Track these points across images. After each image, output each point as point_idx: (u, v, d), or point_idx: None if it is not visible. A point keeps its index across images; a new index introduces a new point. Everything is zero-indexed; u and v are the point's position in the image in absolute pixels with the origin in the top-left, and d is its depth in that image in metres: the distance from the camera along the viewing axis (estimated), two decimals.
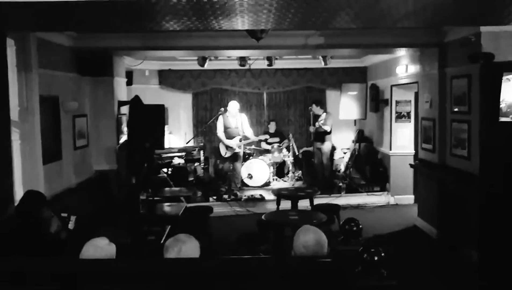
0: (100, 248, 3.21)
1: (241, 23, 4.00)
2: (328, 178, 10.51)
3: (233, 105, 9.88)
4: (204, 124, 11.58)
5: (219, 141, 10.06)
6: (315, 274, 3.03)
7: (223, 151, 9.95)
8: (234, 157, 9.93)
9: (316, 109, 10.44)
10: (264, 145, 11.44)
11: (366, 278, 3.34)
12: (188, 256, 3.17)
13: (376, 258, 3.40)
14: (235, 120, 9.85)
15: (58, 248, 4.37)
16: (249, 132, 9.99)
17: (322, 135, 10.30)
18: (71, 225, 4.67)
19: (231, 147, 9.79)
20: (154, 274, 3.00)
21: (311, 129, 10.47)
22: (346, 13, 3.64)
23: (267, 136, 10.56)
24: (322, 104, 11.07)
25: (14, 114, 5.58)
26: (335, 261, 3.07)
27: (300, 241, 3.29)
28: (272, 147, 11.09)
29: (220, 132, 9.88)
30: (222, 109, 9.98)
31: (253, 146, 11.21)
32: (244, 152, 10.79)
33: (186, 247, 3.18)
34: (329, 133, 10.33)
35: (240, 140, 9.85)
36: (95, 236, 3.37)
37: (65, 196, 6.60)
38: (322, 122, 10.19)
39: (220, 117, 9.95)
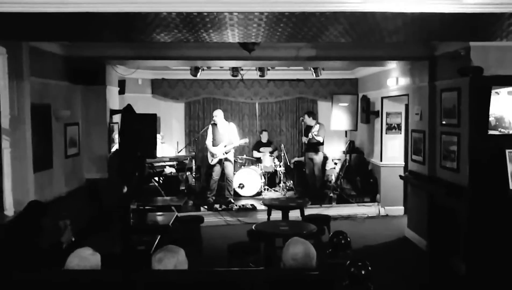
0: (84, 258, 3.21)
1: (231, 36, 4.04)
2: (319, 188, 10.54)
3: (216, 113, 10.02)
4: (196, 134, 11.62)
5: (207, 150, 10.14)
6: (303, 286, 3.05)
7: (210, 158, 10.03)
8: (222, 164, 9.95)
9: (308, 120, 10.51)
10: (256, 154, 11.47)
11: None
12: (181, 265, 3.18)
13: (363, 272, 3.41)
14: (223, 128, 9.92)
15: (56, 258, 4.38)
16: (236, 140, 10.03)
17: (315, 146, 10.35)
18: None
19: (216, 154, 9.84)
20: (142, 285, 3.00)
21: (304, 139, 10.53)
22: (335, 28, 3.69)
23: (246, 140, 10.56)
24: (314, 115, 11.13)
25: (5, 122, 5.59)
26: (323, 274, 3.09)
27: (290, 253, 3.31)
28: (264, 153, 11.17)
29: (209, 141, 9.97)
30: (215, 119, 10.03)
31: (244, 156, 11.23)
32: (235, 161, 10.82)
33: (182, 257, 3.20)
34: (322, 144, 10.39)
35: (225, 146, 9.87)
36: (85, 245, 3.38)
37: (56, 204, 6.58)
38: (315, 133, 10.23)
39: (210, 127, 10.04)
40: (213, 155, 9.91)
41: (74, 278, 3.05)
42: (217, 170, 10.00)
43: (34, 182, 6.02)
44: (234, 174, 10.36)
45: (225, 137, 9.88)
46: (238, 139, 10.10)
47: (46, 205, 4.76)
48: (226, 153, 9.86)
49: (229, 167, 10.01)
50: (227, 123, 10.10)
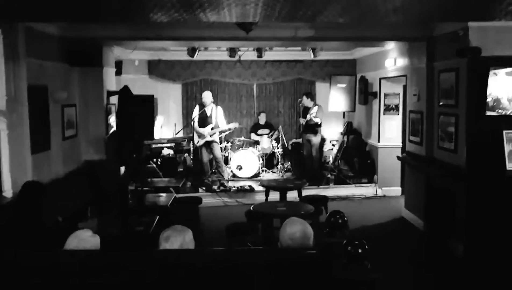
0: (83, 240, 3.23)
1: (228, 15, 4.01)
2: (317, 169, 10.56)
3: (205, 95, 10.02)
4: (192, 115, 11.59)
5: (193, 130, 10.15)
6: (301, 265, 3.07)
7: (196, 139, 10.05)
8: (209, 145, 9.95)
9: (306, 101, 10.48)
10: (253, 137, 11.47)
11: (350, 270, 3.39)
12: (188, 245, 3.21)
13: (360, 251, 3.44)
14: (210, 110, 9.92)
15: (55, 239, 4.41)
16: (222, 124, 10.02)
17: (312, 128, 10.34)
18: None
19: (203, 135, 9.84)
20: (143, 265, 3.02)
21: (302, 121, 10.51)
22: (333, 8, 3.66)
23: (236, 124, 10.55)
24: (312, 96, 11.10)
25: (1, 103, 5.55)
26: (320, 253, 3.11)
27: (287, 233, 3.33)
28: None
29: (194, 121, 9.96)
30: (203, 100, 10.00)
31: (242, 138, 11.23)
32: (232, 142, 10.82)
33: (189, 237, 3.23)
34: (320, 125, 10.39)
35: (212, 129, 9.88)
36: (82, 227, 3.39)
37: (54, 186, 6.58)
38: (313, 114, 10.21)
39: (197, 107, 10.06)
40: (199, 136, 9.92)
41: (75, 260, 3.06)
42: (205, 152, 10.03)
43: (32, 164, 6.02)
44: (224, 155, 10.44)
45: (212, 119, 9.88)
46: (225, 123, 10.09)
47: (43, 184, 4.71)
48: (211, 135, 9.86)
49: (216, 149, 10.03)
50: (214, 105, 10.09)
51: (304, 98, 10.56)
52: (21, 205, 4.43)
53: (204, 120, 9.91)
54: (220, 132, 10.23)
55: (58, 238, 4.43)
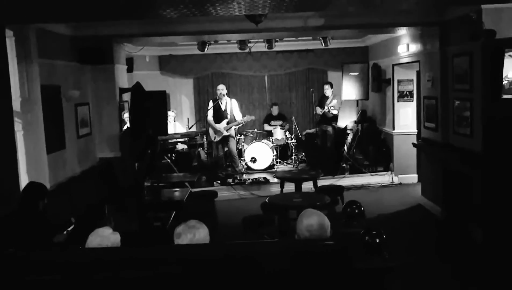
0: (105, 237, 3.26)
1: (237, 8, 3.98)
2: (333, 159, 10.50)
3: (220, 88, 9.96)
4: (206, 109, 11.58)
5: (208, 126, 10.12)
6: (318, 257, 3.06)
7: (212, 135, 10.03)
8: (225, 140, 9.94)
9: (328, 91, 10.48)
10: (266, 127, 11.44)
11: (368, 260, 3.37)
12: (200, 242, 3.21)
13: (377, 241, 3.42)
14: (224, 103, 9.89)
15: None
16: (238, 117, 9.99)
17: (330, 119, 10.36)
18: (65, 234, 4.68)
19: (219, 131, 9.83)
20: (163, 260, 3.03)
21: (319, 111, 10.47)
22: None
23: (252, 117, 10.50)
24: (332, 85, 10.98)
25: (16, 104, 5.61)
26: (338, 244, 3.09)
27: (304, 224, 3.31)
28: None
29: (210, 116, 9.95)
30: (222, 93, 9.97)
31: (255, 130, 11.21)
32: (245, 134, 10.81)
33: (200, 234, 3.22)
34: (337, 117, 10.40)
35: (227, 123, 9.86)
36: (101, 224, 3.41)
37: (70, 184, 6.65)
38: (332, 107, 10.20)
39: (211, 102, 10.03)
40: (216, 132, 9.90)
41: (97, 257, 3.08)
42: (220, 147, 10.07)
43: (48, 163, 6.08)
44: (238, 148, 10.39)
45: (227, 113, 9.85)
46: (241, 116, 10.06)
47: (44, 186, 4.66)
48: (227, 130, 9.85)
49: (232, 143, 10.01)
50: (228, 99, 10.07)
51: (328, 87, 10.56)
52: (21, 205, 4.43)
53: (219, 114, 9.87)
54: (236, 125, 10.20)
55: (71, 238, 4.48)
